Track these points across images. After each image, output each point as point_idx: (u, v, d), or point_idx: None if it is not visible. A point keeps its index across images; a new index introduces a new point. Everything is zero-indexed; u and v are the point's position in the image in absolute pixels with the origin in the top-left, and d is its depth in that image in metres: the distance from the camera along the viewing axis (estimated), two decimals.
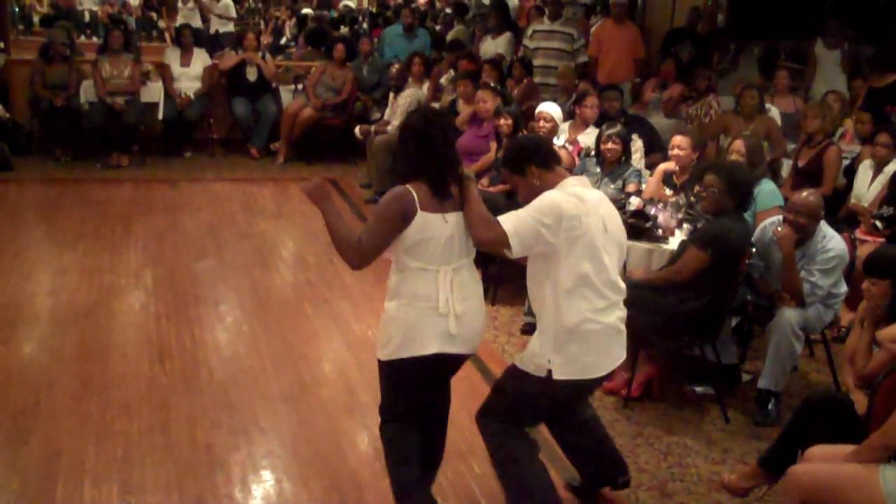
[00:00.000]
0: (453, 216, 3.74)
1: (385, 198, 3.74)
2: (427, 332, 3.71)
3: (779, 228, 5.39)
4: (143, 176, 10.32)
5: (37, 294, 6.71)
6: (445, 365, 3.88)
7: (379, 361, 3.86)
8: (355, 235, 3.71)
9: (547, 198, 3.80)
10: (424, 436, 3.99)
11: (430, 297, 3.70)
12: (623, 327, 3.98)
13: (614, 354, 3.96)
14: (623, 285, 3.99)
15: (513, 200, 5.70)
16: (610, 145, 6.71)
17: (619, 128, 6.84)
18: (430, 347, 3.72)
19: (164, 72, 11.19)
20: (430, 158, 3.74)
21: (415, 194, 3.68)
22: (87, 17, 13.18)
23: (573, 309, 3.79)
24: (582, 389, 4.06)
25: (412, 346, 3.72)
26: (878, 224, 6.65)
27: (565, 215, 3.72)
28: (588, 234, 3.76)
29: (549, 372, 3.82)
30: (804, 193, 5.47)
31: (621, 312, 3.97)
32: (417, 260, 3.71)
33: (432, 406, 4.05)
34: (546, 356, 3.83)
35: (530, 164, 3.94)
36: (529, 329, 6.36)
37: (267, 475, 4.56)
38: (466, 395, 4.59)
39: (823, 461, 3.82)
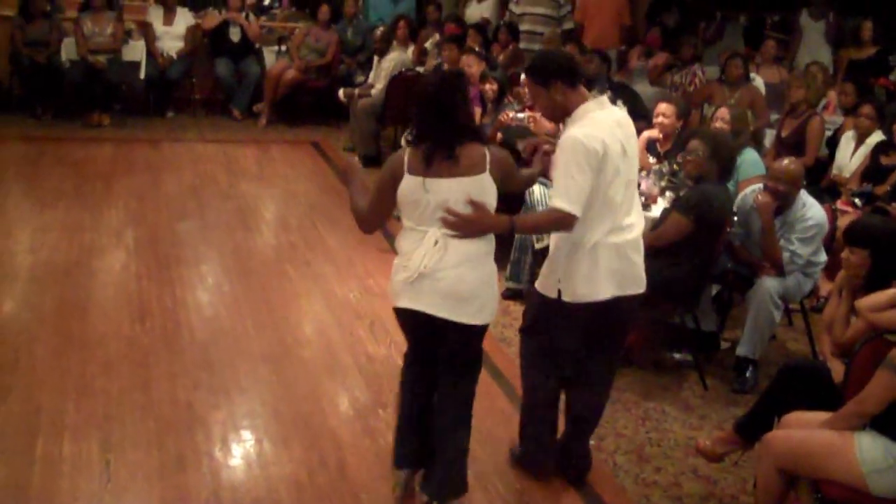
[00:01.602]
0: (448, 182, 3.65)
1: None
2: (398, 286, 3.80)
3: (759, 196, 5.41)
4: (125, 135, 10.23)
5: (17, 252, 6.67)
6: (422, 320, 3.81)
7: None
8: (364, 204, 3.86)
9: (571, 142, 3.75)
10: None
11: (409, 254, 3.74)
12: (640, 250, 4.07)
13: (628, 277, 4.02)
14: (640, 209, 4.15)
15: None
16: None
17: (607, 94, 6.82)
18: (401, 301, 3.82)
19: (146, 30, 11.07)
20: (437, 122, 3.69)
21: (406, 157, 3.70)
22: None
23: (591, 231, 3.87)
24: (594, 313, 4.02)
25: (396, 298, 3.85)
26: (857, 202, 6.69)
27: (592, 152, 3.72)
28: (611, 160, 3.79)
29: (559, 293, 3.97)
30: (785, 161, 5.49)
31: (639, 234, 4.06)
32: (408, 219, 3.78)
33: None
34: (556, 277, 3.98)
35: (557, 79, 3.88)
36: (511, 295, 6.38)
37: (247, 434, 4.58)
38: None
39: (799, 428, 3.85)
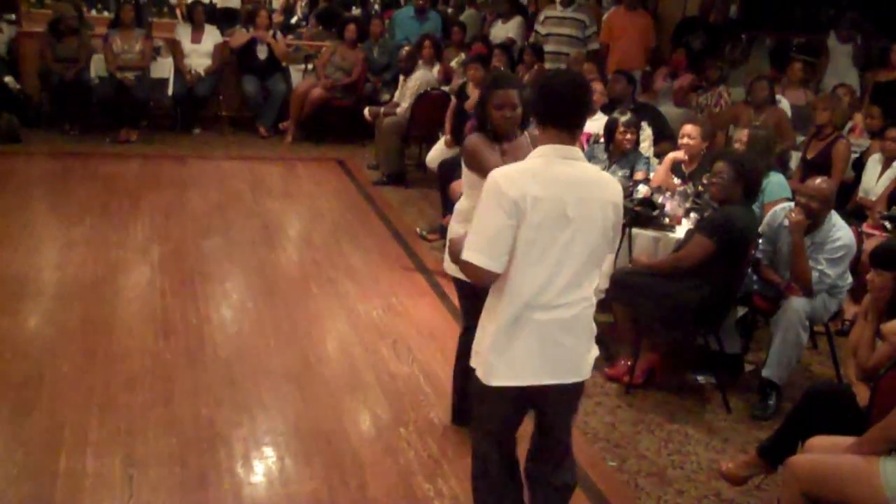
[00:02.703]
0: None
1: None
2: None
3: (791, 214, 5.39)
4: (152, 152, 10.32)
5: (43, 267, 6.73)
6: None
7: None
8: None
9: (489, 179, 3.21)
10: None
11: None
12: (574, 331, 3.32)
13: (552, 363, 3.31)
14: (584, 286, 3.31)
15: None
16: (628, 136, 6.72)
17: (630, 116, 6.85)
18: None
19: (174, 48, 11.19)
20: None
21: None
22: None
23: (507, 297, 3.25)
24: (506, 399, 3.40)
25: None
26: (887, 225, 6.65)
27: (504, 196, 3.12)
28: (534, 217, 3.14)
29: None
30: (818, 180, 5.47)
31: (576, 314, 3.30)
32: None
33: None
34: (476, 349, 3.42)
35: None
36: None
37: (269, 452, 4.58)
38: None
39: (823, 452, 3.83)
